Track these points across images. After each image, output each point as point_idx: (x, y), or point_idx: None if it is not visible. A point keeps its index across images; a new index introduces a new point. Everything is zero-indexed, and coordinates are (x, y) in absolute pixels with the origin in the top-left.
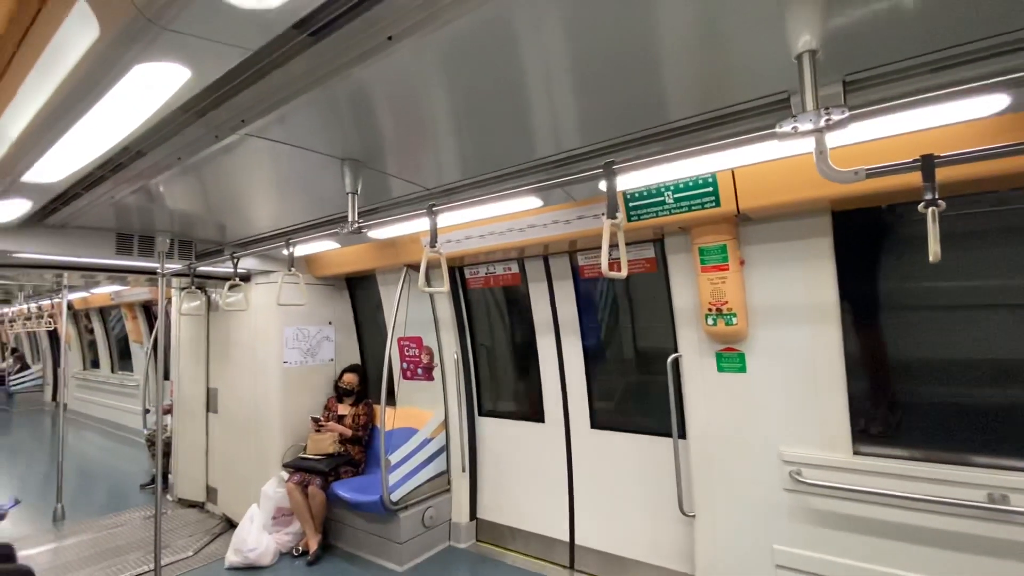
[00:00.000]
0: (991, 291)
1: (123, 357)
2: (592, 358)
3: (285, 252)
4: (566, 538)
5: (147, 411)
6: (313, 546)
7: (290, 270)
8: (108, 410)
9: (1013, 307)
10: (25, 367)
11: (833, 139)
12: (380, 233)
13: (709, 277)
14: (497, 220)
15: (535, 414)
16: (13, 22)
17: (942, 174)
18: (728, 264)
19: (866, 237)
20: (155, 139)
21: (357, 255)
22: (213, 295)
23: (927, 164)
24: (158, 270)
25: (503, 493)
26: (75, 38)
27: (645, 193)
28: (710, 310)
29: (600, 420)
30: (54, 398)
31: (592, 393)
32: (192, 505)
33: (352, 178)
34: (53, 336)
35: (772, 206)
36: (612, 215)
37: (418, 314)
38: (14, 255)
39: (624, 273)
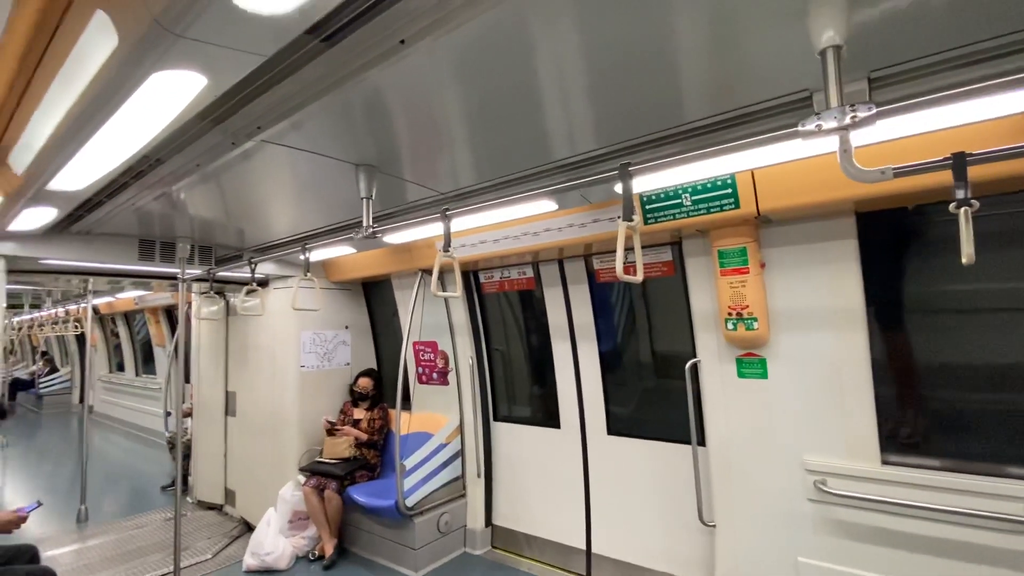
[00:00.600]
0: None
1: (147, 360)
2: (608, 363)
3: (301, 257)
4: (583, 546)
5: (168, 414)
6: (329, 551)
7: (306, 275)
8: (132, 412)
9: None
10: (54, 370)
11: (855, 138)
12: (395, 238)
13: (729, 280)
14: (511, 224)
15: (551, 420)
16: (39, 29)
17: (973, 172)
18: (748, 267)
19: (893, 239)
20: (174, 146)
21: (372, 260)
22: (232, 300)
23: (959, 162)
24: (179, 275)
25: (519, 499)
26: (95, 48)
27: (662, 195)
28: (730, 314)
29: (617, 426)
30: (81, 400)
31: (608, 399)
32: (211, 507)
33: (367, 183)
34: (81, 340)
35: (794, 207)
36: (628, 218)
37: (433, 318)
38: (42, 261)
39: (640, 277)
